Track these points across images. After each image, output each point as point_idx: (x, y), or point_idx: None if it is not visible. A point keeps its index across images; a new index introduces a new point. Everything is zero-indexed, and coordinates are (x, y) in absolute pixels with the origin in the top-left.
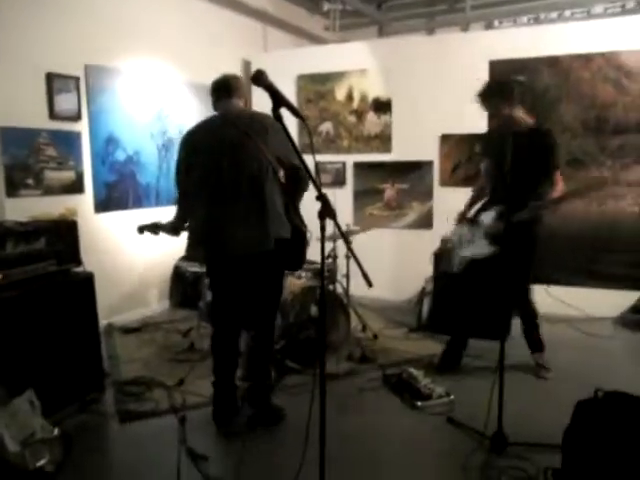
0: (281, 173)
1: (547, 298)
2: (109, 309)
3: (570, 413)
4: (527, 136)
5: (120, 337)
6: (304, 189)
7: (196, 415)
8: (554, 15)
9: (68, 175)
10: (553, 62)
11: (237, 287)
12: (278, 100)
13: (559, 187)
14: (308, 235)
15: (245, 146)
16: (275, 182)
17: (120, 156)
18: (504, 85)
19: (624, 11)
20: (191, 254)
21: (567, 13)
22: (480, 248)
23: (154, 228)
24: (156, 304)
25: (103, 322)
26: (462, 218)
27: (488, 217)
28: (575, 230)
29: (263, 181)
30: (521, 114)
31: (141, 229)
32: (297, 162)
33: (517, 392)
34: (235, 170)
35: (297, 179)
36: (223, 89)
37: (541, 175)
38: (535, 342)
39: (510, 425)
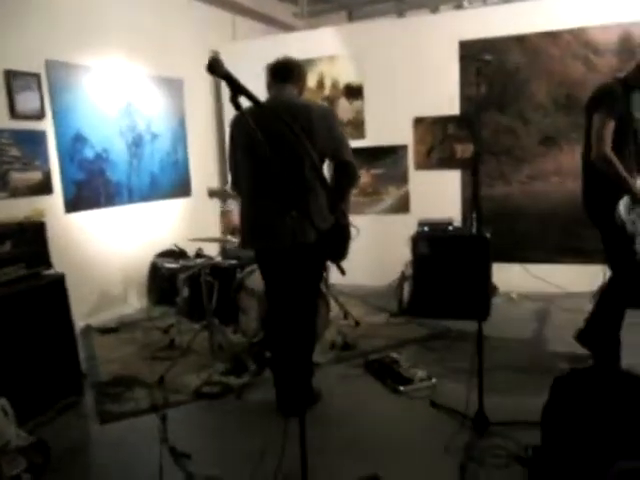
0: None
1: (527, 277)
2: (86, 310)
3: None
4: None
5: (98, 338)
6: (351, 184)
7: (177, 413)
8: None
9: (35, 175)
10: (523, 41)
11: (283, 275)
12: (235, 88)
13: None
14: (353, 231)
15: (286, 137)
16: (316, 176)
17: (89, 154)
18: None
19: None
20: (242, 244)
21: None
22: None
23: None
24: (134, 303)
25: (80, 324)
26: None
27: None
28: (549, 208)
29: (304, 175)
30: None
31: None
32: (347, 157)
33: (497, 372)
34: (275, 162)
35: (345, 174)
36: (278, 72)
37: None
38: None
39: (491, 405)
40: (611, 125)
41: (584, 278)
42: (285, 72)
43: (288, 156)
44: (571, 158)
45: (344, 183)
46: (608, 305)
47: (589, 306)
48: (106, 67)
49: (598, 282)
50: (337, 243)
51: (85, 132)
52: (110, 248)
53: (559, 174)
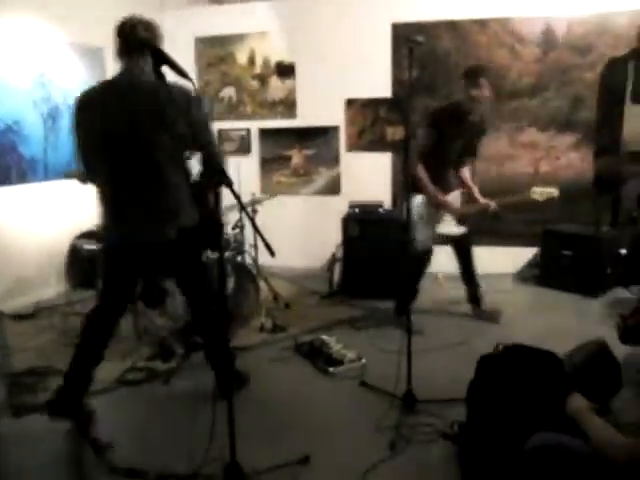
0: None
1: (451, 258)
2: None
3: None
4: None
5: (12, 325)
6: (217, 168)
7: (100, 401)
8: None
9: None
10: (453, 26)
11: (136, 273)
12: (159, 57)
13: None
14: (223, 220)
15: (137, 121)
16: (175, 165)
17: None
18: None
19: None
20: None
21: None
22: (451, 227)
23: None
24: (53, 287)
25: None
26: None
27: (456, 199)
28: None
29: (157, 164)
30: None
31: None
32: (209, 147)
33: (424, 351)
34: (135, 148)
35: (208, 164)
36: (127, 41)
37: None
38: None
39: (419, 384)
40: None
41: (505, 260)
42: (136, 40)
43: (139, 142)
44: (494, 142)
45: (209, 174)
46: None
47: (510, 285)
48: (16, 31)
49: (517, 264)
50: (207, 236)
51: None
52: (25, 228)
53: (482, 158)
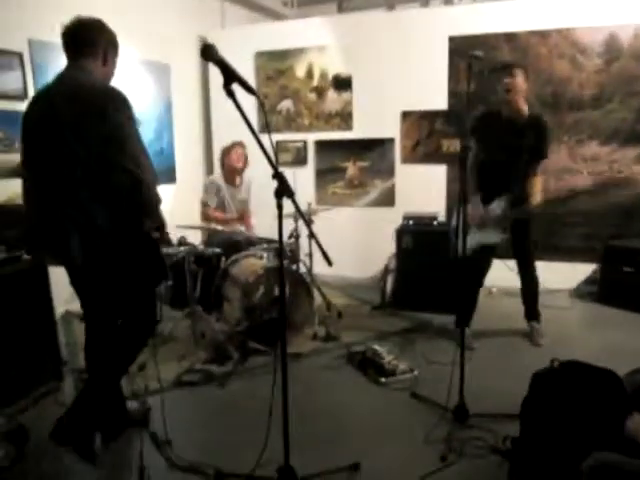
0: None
1: (507, 272)
2: (66, 296)
3: (528, 383)
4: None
5: (79, 324)
6: (144, 203)
7: (158, 401)
8: None
9: (16, 158)
10: (511, 38)
11: (80, 287)
12: (229, 75)
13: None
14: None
15: (57, 134)
16: (93, 185)
17: None
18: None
19: None
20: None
21: None
22: (491, 236)
23: None
24: None
25: (60, 309)
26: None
27: (499, 206)
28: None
29: (74, 182)
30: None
31: None
32: (127, 165)
33: (478, 364)
34: (49, 165)
35: (124, 187)
36: (70, 43)
37: (534, 164)
38: (534, 310)
39: (471, 397)
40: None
41: (562, 275)
42: (78, 42)
43: (59, 157)
44: (553, 156)
45: (134, 200)
46: None
47: (567, 302)
48: None
49: (576, 280)
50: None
51: None
52: None
53: (544, 172)
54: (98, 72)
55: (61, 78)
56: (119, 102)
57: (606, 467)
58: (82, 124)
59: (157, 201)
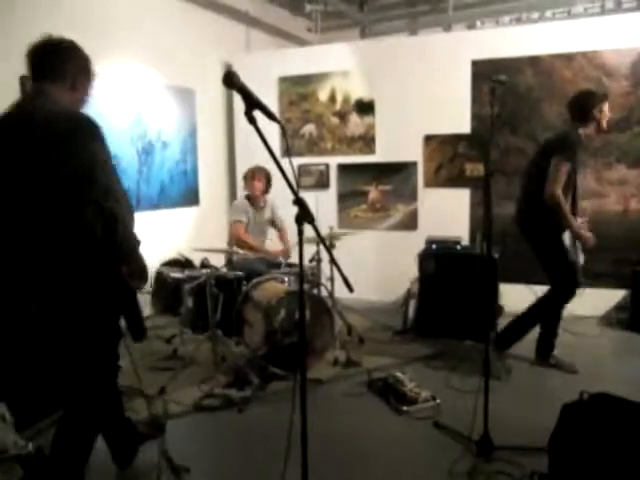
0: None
1: (532, 298)
2: None
3: (556, 415)
4: None
5: None
6: (118, 242)
7: (177, 425)
8: (535, 15)
9: None
10: (535, 62)
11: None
12: (251, 102)
13: None
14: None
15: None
16: (60, 226)
17: None
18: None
19: (603, 11)
20: None
21: (548, 13)
22: (582, 257)
23: None
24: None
25: None
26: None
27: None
28: None
29: (38, 224)
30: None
31: None
32: (103, 201)
33: (503, 395)
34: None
35: (102, 224)
36: (35, 64)
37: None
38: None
39: (496, 428)
40: (567, 170)
41: (590, 301)
42: (43, 64)
43: (22, 194)
44: (580, 179)
45: (109, 241)
46: (550, 310)
47: (595, 330)
48: (118, 74)
49: (605, 307)
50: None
51: None
52: None
53: None
54: (65, 98)
55: (19, 106)
56: (87, 130)
57: None
58: (42, 161)
59: (136, 242)
